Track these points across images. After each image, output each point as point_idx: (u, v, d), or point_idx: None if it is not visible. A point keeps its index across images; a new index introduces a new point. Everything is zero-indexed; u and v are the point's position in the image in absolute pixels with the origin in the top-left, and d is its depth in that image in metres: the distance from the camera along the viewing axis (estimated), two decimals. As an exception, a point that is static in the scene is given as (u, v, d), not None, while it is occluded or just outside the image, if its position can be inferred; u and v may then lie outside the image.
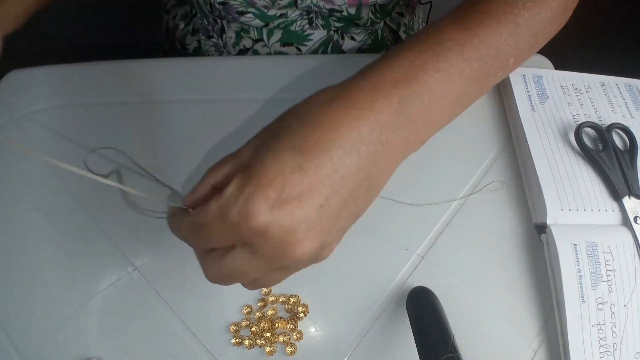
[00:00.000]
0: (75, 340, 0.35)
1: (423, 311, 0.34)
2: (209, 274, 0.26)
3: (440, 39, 0.30)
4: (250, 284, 0.28)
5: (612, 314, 0.35)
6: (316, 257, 0.26)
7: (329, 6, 0.50)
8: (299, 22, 0.52)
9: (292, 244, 0.23)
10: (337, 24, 0.53)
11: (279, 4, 0.49)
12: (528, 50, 0.36)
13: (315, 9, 0.50)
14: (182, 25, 0.58)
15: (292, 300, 0.37)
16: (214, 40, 0.56)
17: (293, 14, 0.51)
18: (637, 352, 0.34)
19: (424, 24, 0.68)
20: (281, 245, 0.23)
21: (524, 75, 0.45)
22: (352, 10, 0.51)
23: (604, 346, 0.34)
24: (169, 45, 0.63)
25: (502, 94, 0.46)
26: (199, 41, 0.57)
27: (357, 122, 0.25)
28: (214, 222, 0.24)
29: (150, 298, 0.36)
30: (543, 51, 0.40)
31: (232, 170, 0.26)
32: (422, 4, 0.65)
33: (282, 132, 0.26)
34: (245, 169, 0.24)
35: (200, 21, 0.56)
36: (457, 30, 0.31)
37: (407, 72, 0.28)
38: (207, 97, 0.45)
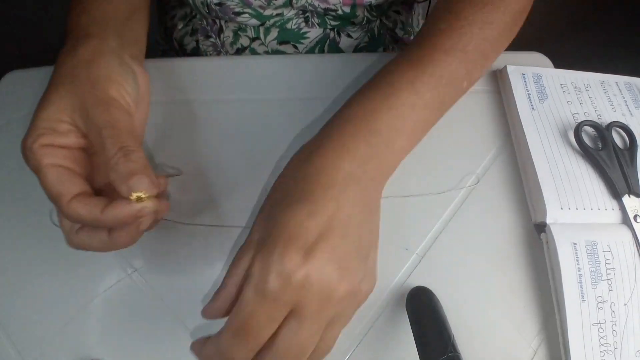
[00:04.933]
0: (76, 342, 0.35)
1: (423, 311, 0.34)
2: None
3: (392, 80, 0.33)
4: None
5: (613, 313, 0.35)
6: (358, 291, 0.26)
7: (323, 5, 0.50)
8: (294, 21, 0.52)
9: (335, 282, 0.24)
10: (333, 23, 0.53)
11: (274, 4, 0.49)
12: (480, 70, 0.38)
13: (311, 8, 0.50)
14: (180, 26, 0.58)
15: None
16: (212, 40, 0.56)
17: (289, 13, 0.51)
18: (638, 351, 0.34)
19: (423, 21, 0.68)
20: (326, 288, 0.24)
21: (523, 74, 0.45)
22: (347, 9, 0.51)
23: (605, 345, 0.34)
24: (167, 46, 0.63)
25: (502, 92, 0.46)
26: (197, 41, 0.57)
27: (339, 162, 0.28)
28: (256, 306, 0.23)
29: (150, 299, 0.36)
30: (543, 50, 0.40)
31: (250, 256, 0.26)
32: (420, 2, 0.64)
33: (281, 196, 0.27)
34: (262, 243, 0.25)
35: (199, 22, 0.57)
36: (407, 68, 0.34)
37: (365, 114, 0.31)
38: (207, 98, 0.44)
